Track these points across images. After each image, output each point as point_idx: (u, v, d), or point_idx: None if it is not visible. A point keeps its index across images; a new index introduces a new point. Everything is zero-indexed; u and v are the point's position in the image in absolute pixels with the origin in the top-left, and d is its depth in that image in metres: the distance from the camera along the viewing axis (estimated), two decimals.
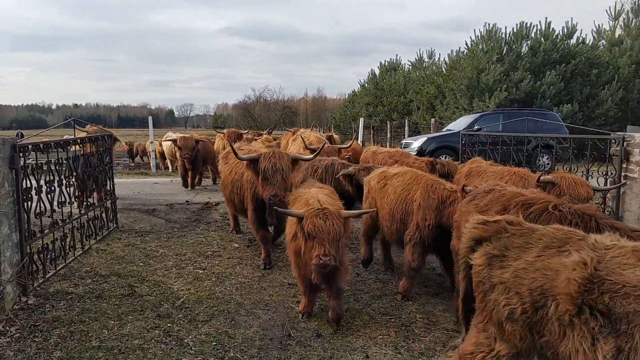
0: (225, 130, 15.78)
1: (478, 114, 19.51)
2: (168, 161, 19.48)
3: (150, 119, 21.44)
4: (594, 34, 29.50)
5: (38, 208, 6.19)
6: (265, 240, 7.49)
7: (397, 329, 5.40)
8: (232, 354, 4.76)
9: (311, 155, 7.47)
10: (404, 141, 20.61)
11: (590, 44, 28.06)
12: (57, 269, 6.68)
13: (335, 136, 22.27)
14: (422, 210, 5.94)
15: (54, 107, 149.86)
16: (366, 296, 6.37)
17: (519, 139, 10.72)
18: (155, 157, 20.18)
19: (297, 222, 5.09)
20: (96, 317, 5.39)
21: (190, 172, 14.57)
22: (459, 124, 19.15)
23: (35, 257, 6.21)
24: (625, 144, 7.07)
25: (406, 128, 29.81)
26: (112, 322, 5.32)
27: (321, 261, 4.71)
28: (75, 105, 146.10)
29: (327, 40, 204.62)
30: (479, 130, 16.44)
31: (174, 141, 14.79)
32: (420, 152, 17.23)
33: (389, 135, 30.55)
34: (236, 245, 8.57)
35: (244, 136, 15.12)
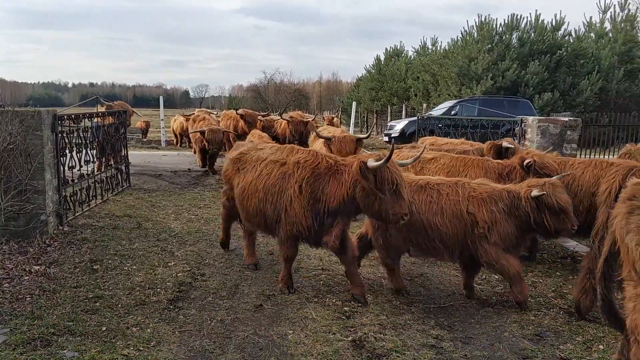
0: (237, 112, 15.56)
1: (457, 101, 21.45)
2: (176, 137, 21.61)
3: (161, 98, 23.99)
4: (585, 27, 31.11)
5: (71, 163, 8.34)
6: (292, 260, 6.15)
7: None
8: (207, 262, 6.88)
9: (411, 160, 6.14)
10: (389, 124, 22.61)
11: (580, 35, 29.75)
12: (84, 210, 8.81)
13: (336, 120, 24.31)
14: None
15: (69, 85, 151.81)
16: None
17: (475, 123, 12.62)
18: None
19: None
20: (113, 238, 7.55)
21: (208, 158, 14.25)
22: (439, 109, 21.11)
23: (68, 199, 8.33)
24: (523, 124, 9.09)
25: (403, 113, 31.78)
26: (124, 242, 7.47)
27: None
28: (91, 84, 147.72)
29: (344, 21, 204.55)
30: (455, 114, 18.44)
31: (202, 133, 13.74)
32: (402, 133, 19.17)
33: (389, 118, 32.51)
34: None
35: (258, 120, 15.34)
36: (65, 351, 4.36)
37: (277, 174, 5.91)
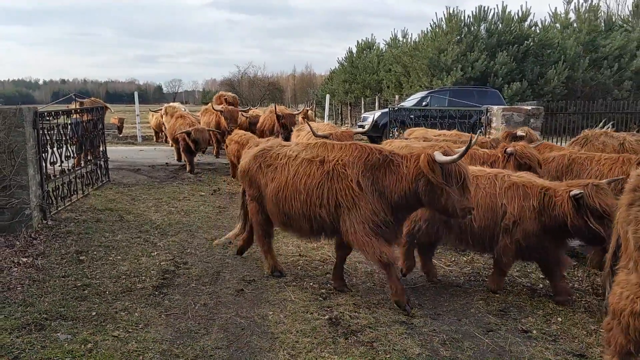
0: (223, 108, 14.86)
1: (427, 92, 21.92)
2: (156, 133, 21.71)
3: (136, 94, 24.08)
4: (551, 17, 31.82)
5: (52, 159, 8.53)
6: (392, 264, 5.40)
7: None
8: (189, 251, 7.17)
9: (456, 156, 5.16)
10: (362, 115, 22.98)
11: (546, 25, 30.47)
12: (66, 204, 9.02)
13: (310, 112, 24.58)
14: None
15: (40, 82, 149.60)
16: None
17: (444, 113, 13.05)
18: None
19: None
20: (96, 231, 7.80)
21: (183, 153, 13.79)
22: (410, 101, 21.55)
23: (51, 194, 8.53)
24: (488, 113, 9.52)
25: (376, 104, 32.19)
26: (108, 234, 7.72)
27: None
28: (63, 81, 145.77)
29: (316, 14, 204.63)
30: (426, 105, 18.89)
31: (188, 133, 13.10)
32: (375, 125, 19.53)
33: (362, 110, 32.89)
34: (202, 193, 10.99)
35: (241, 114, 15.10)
36: (58, 334, 4.63)
37: (319, 173, 5.56)
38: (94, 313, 5.10)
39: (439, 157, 5.04)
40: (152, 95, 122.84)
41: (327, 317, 5.19)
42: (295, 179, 5.68)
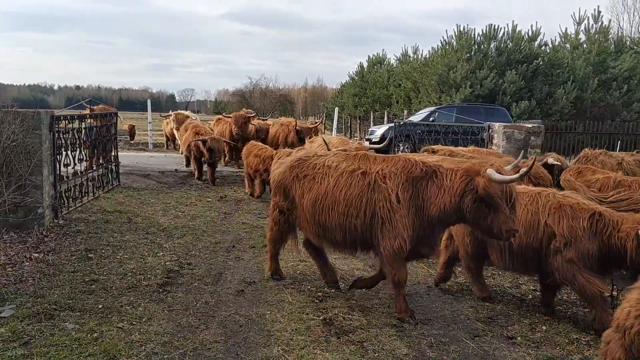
0: (232, 115, 15.58)
1: (435, 107, 22.19)
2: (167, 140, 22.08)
3: (149, 101, 24.61)
4: (562, 37, 32.07)
5: (66, 161, 8.87)
6: (404, 284, 5.61)
7: None
8: (193, 253, 7.45)
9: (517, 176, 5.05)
10: (370, 129, 23.28)
11: (556, 45, 30.72)
12: (77, 205, 9.33)
13: (320, 126, 24.91)
14: None
15: (55, 87, 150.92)
16: None
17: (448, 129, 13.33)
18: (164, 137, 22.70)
19: None
20: (105, 231, 8.10)
21: (209, 168, 13.52)
22: (418, 116, 21.83)
23: (63, 195, 8.85)
24: (490, 130, 9.79)
25: (385, 119, 32.50)
26: (116, 234, 8.02)
27: None
28: (77, 87, 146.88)
29: (329, 28, 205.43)
30: (433, 121, 19.16)
31: (204, 142, 12.90)
32: (383, 138, 19.81)
33: (371, 124, 33.19)
34: (209, 199, 11.29)
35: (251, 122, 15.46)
36: (66, 323, 4.92)
37: (360, 184, 5.44)
38: (100, 306, 5.39)
39: (496, 175, 4.90)
40: (164, 104, 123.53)
41: (321, 317, 5.45)
42: (335, 189, 5.56)
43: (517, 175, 4.94)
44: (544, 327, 5.56)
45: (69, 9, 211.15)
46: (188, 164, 15.02)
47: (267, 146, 12.66)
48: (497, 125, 9.68)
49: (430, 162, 5.57)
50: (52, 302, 5.36)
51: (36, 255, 6.74)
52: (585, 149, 9.53)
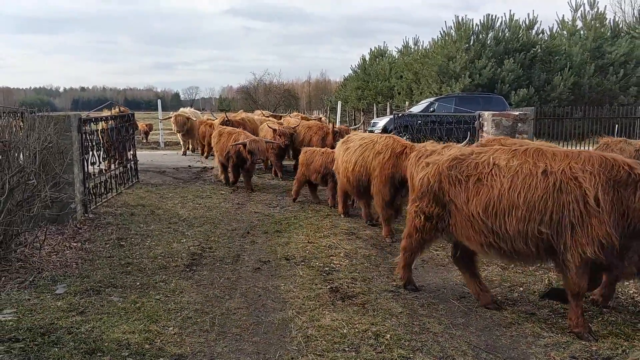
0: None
1: (434, 98, 22.98)
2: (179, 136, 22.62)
3: (159, 101, 25.79)
4: (559, 24, 32.72)
5: (92, 159, 9.75)
6: (583, 295, 5.13)
7: None
8: (213, 239, 8.32)
9: None
10: (372, 121, 24.08)
11: (553, 32, 31.42)
12: (102, 201, 10.22)
13: (324, 118, 25.69)
14: None
15: (61, 90, 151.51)
16: None
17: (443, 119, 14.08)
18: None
19: None
20: (132, 222, 8.99)
21: (245, 173, 12.81)
22: (419, 107, 22.62)
23: (90, 191, 9.73)
24: (480, 118, 10.59)
25: (387, 110, 33.27)
26: (142, 225, 8.91)
27: None
28: (82, 89, 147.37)
29: (331, 21, 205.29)
30: (432, 111, 19.93)
31: (244, 145, 12.02)
32: (385, 130, 20.62)
33: (374, 117, 33.98)
34: (223, 192, 12.18)
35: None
36: (112, 297, 5.80)
37: (543, 185, 4.81)
38: (138, 283, 6.26)
39: None
40: (169, 103, 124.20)
41: (328, 287, 6.29)
42: (511, 191, 4.96)
43: None
44: (520, 289, 6.38)
45: (68, 10, 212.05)
46: (236, 181, 13.18)
47: (326, 148, 11.90)
48: (486, 114, 10.47)
49: (630, 161, 4.84)
50: (96, 281, 6.24)
51: (75, 244, 7.62)
52: (605, 137, 10.29)
